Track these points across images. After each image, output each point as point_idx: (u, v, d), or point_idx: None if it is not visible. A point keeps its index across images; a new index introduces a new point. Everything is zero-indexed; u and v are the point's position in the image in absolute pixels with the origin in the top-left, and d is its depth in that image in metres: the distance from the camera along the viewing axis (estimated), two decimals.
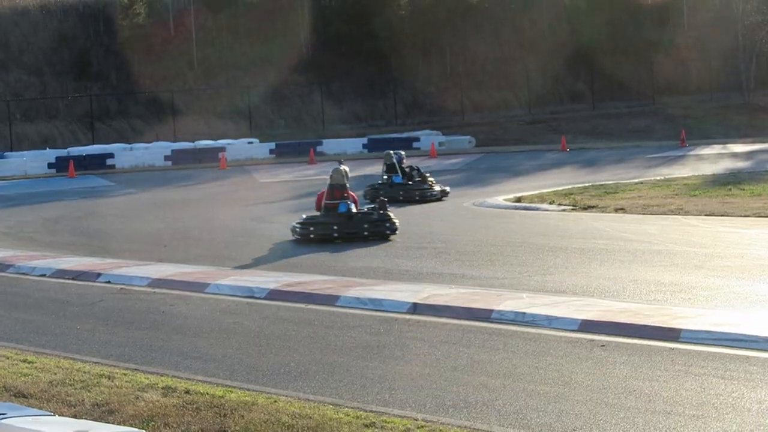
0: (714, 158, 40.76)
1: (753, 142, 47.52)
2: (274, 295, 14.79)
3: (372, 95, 61.52)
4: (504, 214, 25.63)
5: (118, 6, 61.51)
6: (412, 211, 26.72)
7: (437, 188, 29.18)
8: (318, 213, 21.56)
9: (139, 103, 57.39)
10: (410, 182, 29.09)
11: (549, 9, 65.83)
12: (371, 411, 9.09)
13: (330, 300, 14.18)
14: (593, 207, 25.29)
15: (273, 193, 32.70)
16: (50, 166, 45.85)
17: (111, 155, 47.27)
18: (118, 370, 10.62)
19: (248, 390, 9.81)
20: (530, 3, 66.00)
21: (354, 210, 21.20)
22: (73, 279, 17.20)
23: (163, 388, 9.75)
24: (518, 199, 27.94)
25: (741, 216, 22.40)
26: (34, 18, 60.85)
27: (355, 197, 21.90)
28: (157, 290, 15.79)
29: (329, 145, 50.18)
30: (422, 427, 8.53)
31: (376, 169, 33.33)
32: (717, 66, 64.40)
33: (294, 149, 49.48)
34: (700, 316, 12.14)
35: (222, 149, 47.58)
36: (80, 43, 60.38)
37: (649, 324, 11.71)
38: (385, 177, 29.30)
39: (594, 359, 10.60)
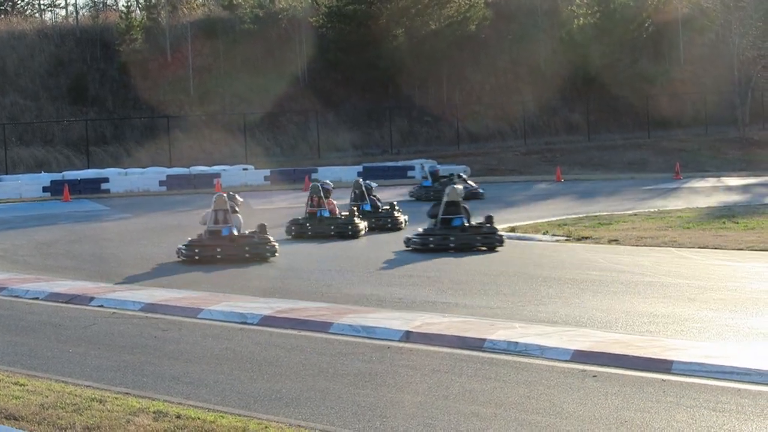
0: (708, 191, 40.85)
1: (747, 176, 47.67)
2: (267, 321, 14.77)
3: (368, 124, 61.65)
4: None
5: (115, 31, 61.65)
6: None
7: (402, 218, 29.72)
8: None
9: (134, 129, 57.51)
10: (379, 210, 29.68)
11: (546, 41, 66.08)
12: None
13: (323, 327, 14.16)
14: (587, 238, 25.31)
15: (268, 219, 32.53)
16: (45, 189, 45.90)
17: (106, 180, 47.33)
18: (109, 394, 10.60)
19: (240, 415, 9.79)
20: (527, 35, 66.22)
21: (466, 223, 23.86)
22: (66, 302, 17.19)
23: (154, 412, 9.73)
24: (512, 229, 27.95)
25: (734, 249, 22.44)
26: (30, 42, 61.00)
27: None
28: (149, 315, 15.78)
29: (324, 173, 50.25)
30: None
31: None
32: (712, 100, 64.62)
33: (289, 176, 49.61)
34: (692, 348, 12.13)
35: (217, 175, 47.69)
36: (77, 67, 60.53)
37: (641, 355, 11.71)
38: (354, 205, 29.38)
39: (586, 389, 10.60)
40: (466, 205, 24.63)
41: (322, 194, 27.61)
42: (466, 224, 23.87)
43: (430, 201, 34.56)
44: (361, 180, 31.25)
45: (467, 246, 23.34)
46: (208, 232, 22.77)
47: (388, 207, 29.93)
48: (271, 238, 23.00)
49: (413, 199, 39.04)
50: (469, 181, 40.23)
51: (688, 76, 66.79)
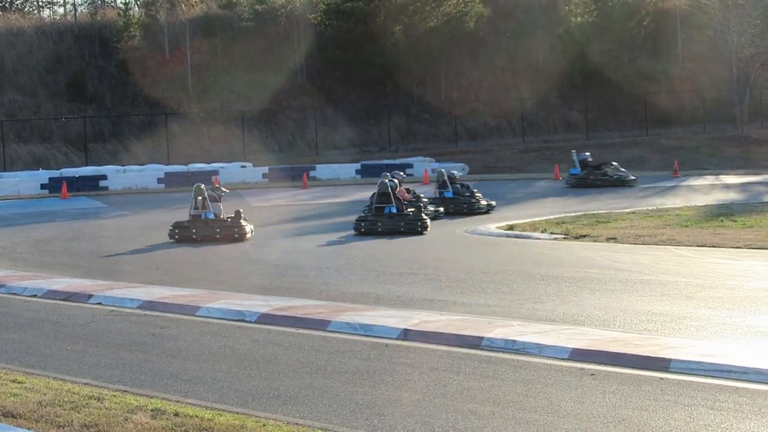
0: (706, 189, 40.84)
1: (745, 174, 47.65)
2: (265, 319, 14.77)
3: (366, 121, 61.61)
4: (496, 242, 25.67)
5: (113, 28, 61.60)
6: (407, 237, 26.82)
7: (484, 202, 33.25)
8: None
9: (133, 126, 57.44)
10: (460, 197, 33.09)
11: (544, 38, 66.03)
12: None
13: (321, 325, 14.16)
14: (585, 236, 25.32)
15: (266, 217, 32.68)
16: (43, 186, 45.85)
17: (104, 177, 47.29)
18: (107, 392, 10.60)
19: (237, 413, 9.79)
20: (525, 32, 66.17)
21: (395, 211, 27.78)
22: (64, 300, 17.18)
23: (152, 410, 9.73)
24: (511, 227, 27.98)
25: (733, 247, 22.43)
26: (29, 39, 60.94)
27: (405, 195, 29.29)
28: (148, 312, 15.77)
29: (322, 170, 50.29)
30: None
31: (368, 194, 33.36)
32: (710, 98, 64.64)
33: (287, 173, 49.56)
34: (691, 346, 12.13)
35: (215, 172, 47.64)
36: (75, 64, 60.47)
37: (639, 354, 11.70)
38: (438, 192, 33.48)
39: (583, 388, 10.60)
40: (399, 197, 28.42)
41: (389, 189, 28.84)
42: (394, 212, 27.71)
43: (581, 188, 41.62)
44: (443, 170, 34.90)
45: (393, 230, 27.26)
46: (191, 216, 27.28)
47: (468, 194, 33.10)
48: (244, 223, 26.85)
49: (569, 186, 42.64)
50: (621, 168, 43.90)
51: (687, 73, 66.78)
